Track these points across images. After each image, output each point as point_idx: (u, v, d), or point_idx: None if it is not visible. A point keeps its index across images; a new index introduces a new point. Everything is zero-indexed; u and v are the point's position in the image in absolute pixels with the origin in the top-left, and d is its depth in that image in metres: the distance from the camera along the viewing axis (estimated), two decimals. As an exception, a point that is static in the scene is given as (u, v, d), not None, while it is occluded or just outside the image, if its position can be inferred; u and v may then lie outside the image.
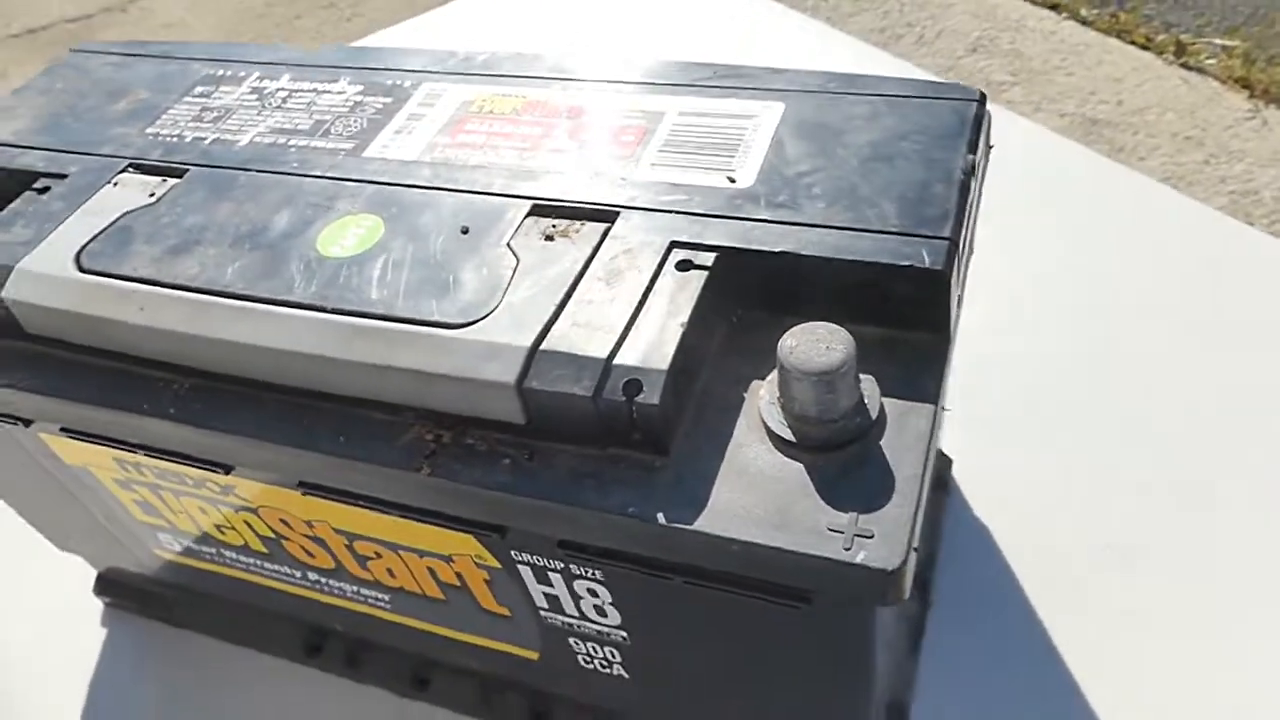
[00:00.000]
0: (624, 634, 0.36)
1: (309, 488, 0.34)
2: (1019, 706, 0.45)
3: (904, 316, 0.31)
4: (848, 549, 0.27)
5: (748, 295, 0.32)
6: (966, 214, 0.32)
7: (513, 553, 0.34)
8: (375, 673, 0.49)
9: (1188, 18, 1.63)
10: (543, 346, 0.30)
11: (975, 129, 0.33)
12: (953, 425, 0.52)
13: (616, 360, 0.29)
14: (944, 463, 0.54)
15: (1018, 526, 0.52)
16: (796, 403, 0.28)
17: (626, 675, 0.39)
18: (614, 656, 0.38)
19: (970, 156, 0.32)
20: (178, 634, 0.53)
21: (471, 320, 0.31)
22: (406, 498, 0.32)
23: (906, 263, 0.30)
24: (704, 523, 0.28)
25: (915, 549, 0.27)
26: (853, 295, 0.31)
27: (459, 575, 0.37)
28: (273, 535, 0.40)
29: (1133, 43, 1.62)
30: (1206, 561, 0.49)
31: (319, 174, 0.38)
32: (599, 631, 0.36)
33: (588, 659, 0.39)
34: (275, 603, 0.47)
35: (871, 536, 0.27)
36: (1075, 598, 0.49)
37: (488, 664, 0.44)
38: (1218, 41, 1.57)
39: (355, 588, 0.42)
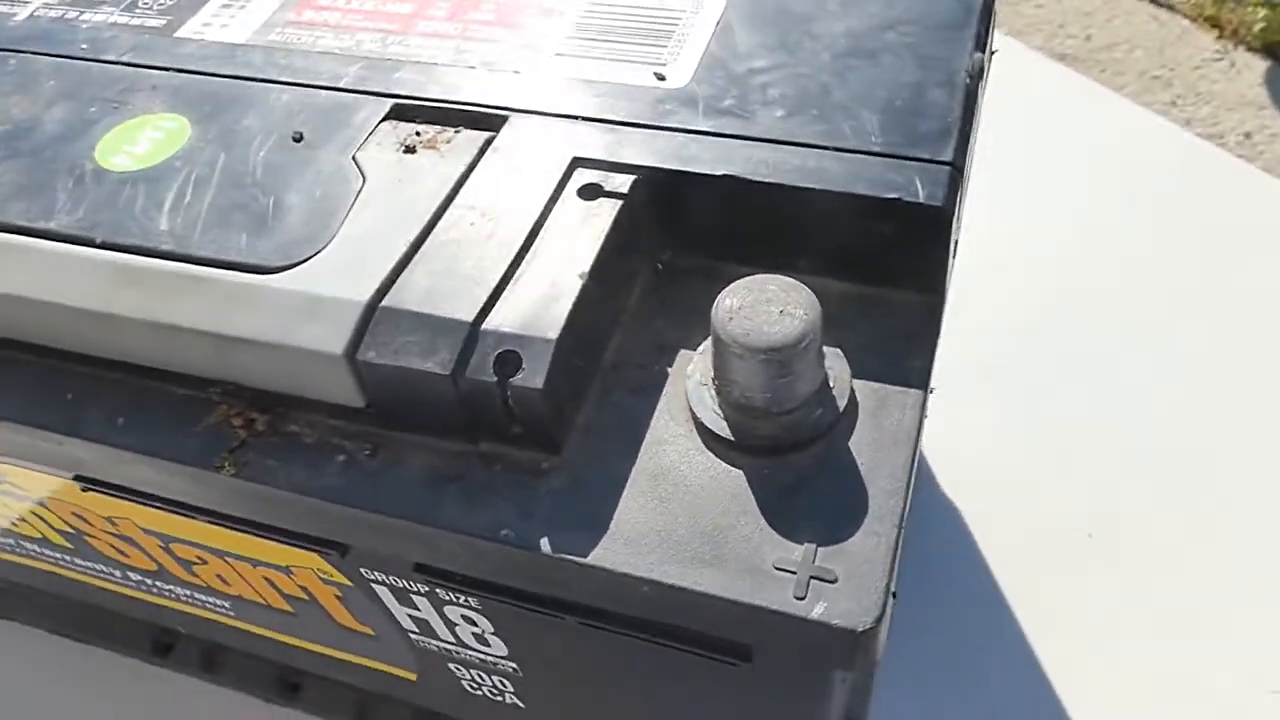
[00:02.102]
0: (513, 665, 0.28)
1: (87, 483, 0.25)
2: (983, 708, 0.40)
3: (885, 268, 0.23)
4: (800, 598, 0.19)
5: (677, 234, 0.24)
6: (971, 131, 0.24)
7: (363, 571, 0.26)
8: (236, 677, 0.41)
9: (1162, -50, 1.55)
10: (385, 302, 0.21)
11: (983, 20, 0.25)
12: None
13: (486, 324, 0.21)
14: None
15: (989, 507, 0.46)
16: (737, 387, 0.20)
17: (522, 705, 0.31)
18: (504, 686, 0.30)
19: (978, 55, 0.24)
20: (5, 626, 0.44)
21: (292, 262, 0.22)
22: (209, 502, 0.24)
23: (894, 195, 0.22)
24: (603, 553, 0.20)
25: (894, 594, 0.20)
26: (817, 238, 0.23)
27: (304, 589, 0.29)
28: (72, 530, 0.32)
29: (1105, -27, 1.54)
30: (1194, 548, 0.44)
31: (112, 58, 0.28)
32: (483, 660, 0.28)
33: (474, 685, 0.31)
34: (103, 599, 0.38)
35: (834, 581, 0.19)
36: (1051, 589, 0.43)
37: (360, 679, 0.36)
38: (1191, -24, 1.50)
39: (188, 591, 0.34)
